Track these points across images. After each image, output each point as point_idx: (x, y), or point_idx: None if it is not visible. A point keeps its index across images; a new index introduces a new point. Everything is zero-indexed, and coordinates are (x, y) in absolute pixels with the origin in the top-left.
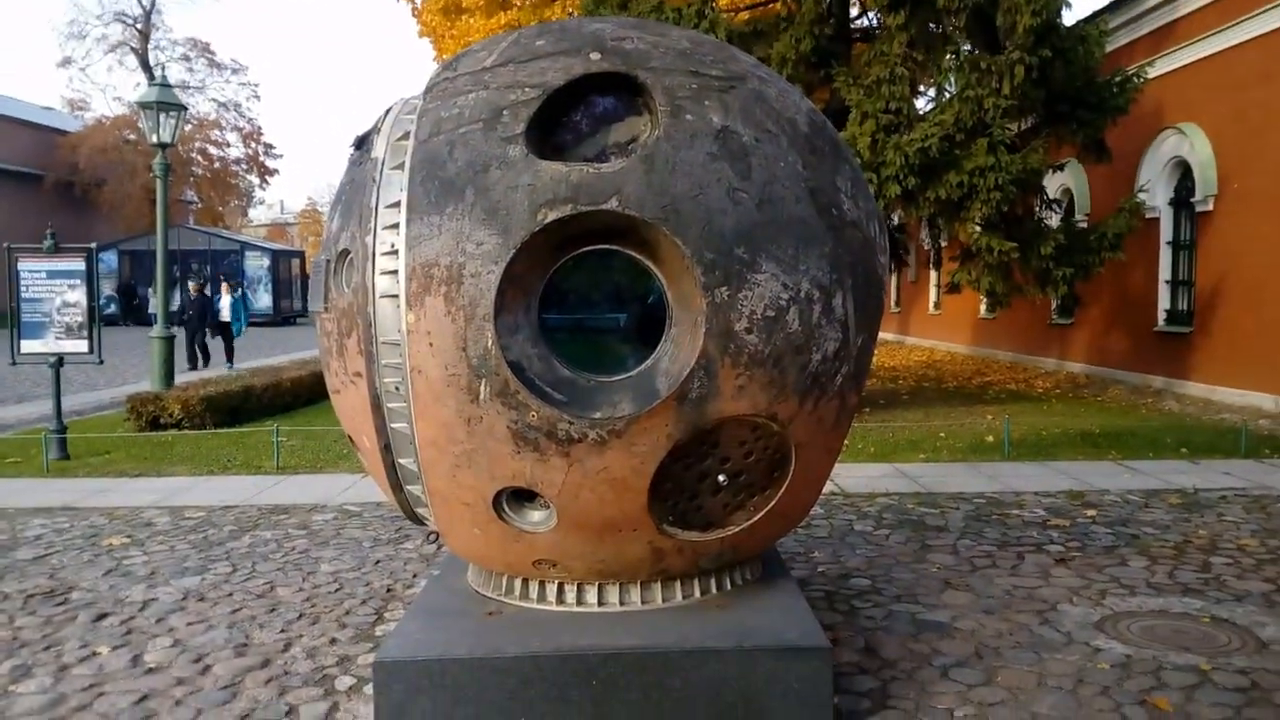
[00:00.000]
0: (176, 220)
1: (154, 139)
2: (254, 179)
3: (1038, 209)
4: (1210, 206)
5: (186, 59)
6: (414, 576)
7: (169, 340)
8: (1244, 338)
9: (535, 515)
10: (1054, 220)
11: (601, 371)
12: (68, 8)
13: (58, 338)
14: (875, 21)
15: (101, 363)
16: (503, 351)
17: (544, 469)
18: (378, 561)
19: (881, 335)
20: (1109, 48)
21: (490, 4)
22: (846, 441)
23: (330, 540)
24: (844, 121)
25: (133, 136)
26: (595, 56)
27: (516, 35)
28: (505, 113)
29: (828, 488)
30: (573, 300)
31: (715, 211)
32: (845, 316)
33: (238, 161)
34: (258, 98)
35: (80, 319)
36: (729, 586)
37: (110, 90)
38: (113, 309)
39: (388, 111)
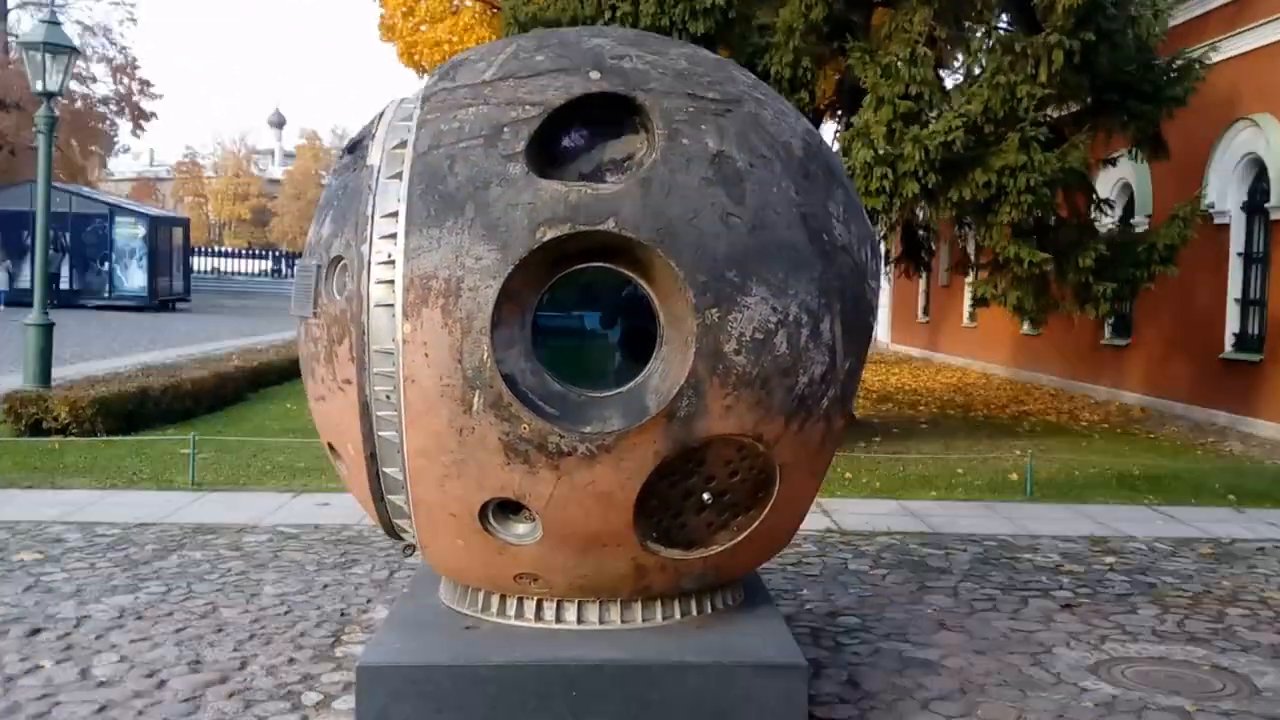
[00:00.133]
0: (23, 174)
1: (39, 86)
2: (125, 123)
3: (1088, 209)
4: None
5: None
6: (368, 602)
7: (47, 329)
8: None
9: (520, 528)
10: (1107, 222)
11: (592, 387)
12: None
13: None
14: None
15: None
16: (498, 364)
17: (532, 481)
18: (325, 585)
19: (908, 351)
20: (1171, 24)
21: None
22: (849, 475)
23: (269, 563)
24: (858, 104)
25: None
26: (594, 75)
27: (515, 48)
28: (506, 130)
29: (823, 524)
30: (566, 316)
31: (708, 235)
32: (833, 340)
33: (105, 101)
34: (133, 20)
35: None
36: (710, 610)
37: None
38: None
39: (380, 116)
